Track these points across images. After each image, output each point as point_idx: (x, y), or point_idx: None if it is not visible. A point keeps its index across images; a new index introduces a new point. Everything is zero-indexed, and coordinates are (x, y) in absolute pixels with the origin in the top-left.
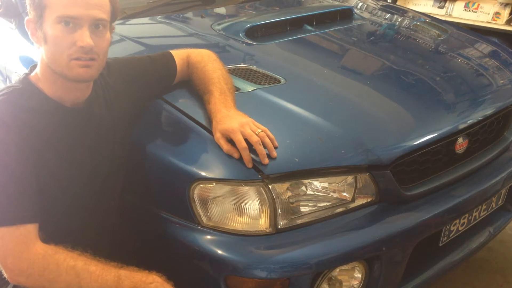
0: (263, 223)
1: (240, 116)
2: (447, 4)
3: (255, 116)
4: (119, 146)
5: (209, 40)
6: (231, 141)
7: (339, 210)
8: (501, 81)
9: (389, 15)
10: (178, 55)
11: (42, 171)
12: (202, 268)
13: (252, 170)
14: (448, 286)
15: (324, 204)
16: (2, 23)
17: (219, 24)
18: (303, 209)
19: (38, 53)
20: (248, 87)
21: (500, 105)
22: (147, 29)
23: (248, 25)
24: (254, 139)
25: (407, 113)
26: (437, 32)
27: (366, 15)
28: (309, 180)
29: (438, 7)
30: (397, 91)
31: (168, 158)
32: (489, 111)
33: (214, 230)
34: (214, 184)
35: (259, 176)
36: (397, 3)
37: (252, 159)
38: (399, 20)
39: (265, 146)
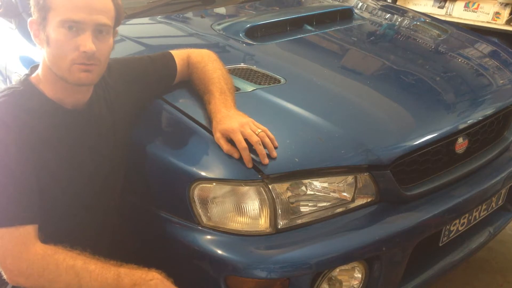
0: (263, 223)
1: (240, 116)
2: (447, 4)
3: (255, 116)
4: (119, 146)
5: (209, 40)
6: (231, 141)
7: (339, 210)
8: (501, 81)
9: (389, 15)
10: (178, 55)
11: (42, 172)
12: (202, 268)
13: (252, 170)
14: (448, 286)
15: (324, 204)
16: (2, 23)
17: (219, 24)
18: (303, 209)
19: (40, 55)
20: (248, 87)
21: (500, 105)
22: (147, 29)
23: (248, 25)
24: (254, 139)
25: (407, 113)
26: (437, 32)
27: (366, 15)
28: (309, 180)
29: (438, 7)
30: (397, 91)
31: (168, 158)
32: (489, 111)
33: (214, 230)
34: (214, 184)
35: (259, 176)
36: (397, 3)
37: (252, 159)
38: (399, 20)
39: (265, 146)
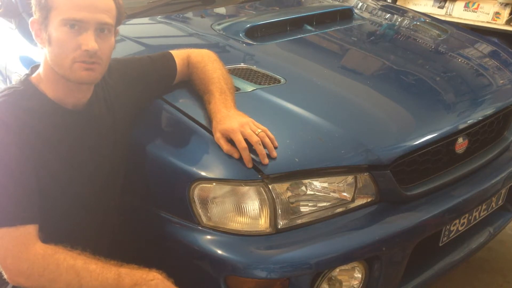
0: (263, 223)
1: (240, 116)
2: (447, 4)
3: (255, 116)
4: (119, 146)
5: (209, 40)
6: (231, 141)
7: (339, 210)
8: (501, 81)
9: (389, 15)
10: (178, 55)
11: (42, 172)
12: (202, 268)
13: (252, 170)
14: (448, 286)
15: (324, 204)
16: (2, 23)
17: (219, 24)
18: (303, 209)
19: (42, 54)
20: (248, 87)
21: (500, 105)
22: (147, 29)
23: (248, 25)
24: (254, 139)
25: (407, 113)
26: (437, 32)
27: (366, 15)
28: (309, 180)
29: (438, 7)
30: (397, 91)
31: (168, 158)
32: (489, 111)
33: (214, 230)
34: (214, 184)
35: (259, 176)
36: (397, 3)
37: (252, 159)
38: (399, 20)
39: (265, 146)
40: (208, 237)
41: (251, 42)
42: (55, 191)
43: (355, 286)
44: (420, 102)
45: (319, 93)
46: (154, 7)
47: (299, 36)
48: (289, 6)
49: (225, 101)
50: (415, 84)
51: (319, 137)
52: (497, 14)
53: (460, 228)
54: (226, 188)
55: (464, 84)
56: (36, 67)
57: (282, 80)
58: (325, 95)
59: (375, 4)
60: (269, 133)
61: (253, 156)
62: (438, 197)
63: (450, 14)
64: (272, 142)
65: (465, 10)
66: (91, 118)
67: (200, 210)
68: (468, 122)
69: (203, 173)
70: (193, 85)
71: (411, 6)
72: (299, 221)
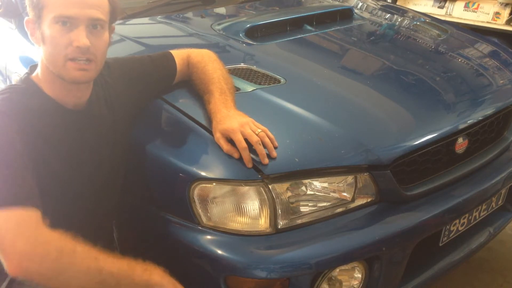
0: (263, 223)
1: (240, 116)
2: (447, 4)
3: (255, 116)
4: (119, 146)
5: (209, 40)
6: (231, 141)
7: (339, 210)
8: (501, 81)
9: (389, 15)
10: (178, 55)
11: (42, 171)
12: (202, 268)
13: (252, 170)
14: (448, 286)
15: (324, 204)
16: (2, 23)
17: (219, 24)
18: (303, 209)
19: (38, 54)
20: (248, 87)
21: (500, 105)
22: (147, 29)
23: (248, 25)
24: (254, 139)
25: (407, 113)
26: (437, 32)
27: (366, 15)
28: (309, 180)
29: (438, 7)
30: (397, 91)
31: (168, 158)
32: (489, 111)
33: (214, 230)
34: (214, 184)
35: (259, 176)
36: (397, 3)
37: (252, 159)
38: (399, 20)
39: (265, 146)
40: (208, 237)
41: (251, 42)
42: (55, 190)
43: (355, 286)
44: (420, 102)
45: (319, 93)
46: (154, 7)
47: (299, 36)
48: (289, 6)
49: (225, 101)
50: (415, 84)
51: (319, 137)
52: (497, 14)
53: (460, 228)
54: (226, 188)
55: (464, 84)
56: (35, 66)
57: (282, 80)
58: (325, 95)
59: (375, 4)
60: (269, 133)
61: (253, 156)
62: (438, 197)
63: (450, 14)
64: (272, 142)
65: (465, 10)
66: (91, 118)
67: (200, 210)
68: (468, 122)
69: (203, 173)
70: (193, 85)
71: (411, 6)
72: (299, 221)
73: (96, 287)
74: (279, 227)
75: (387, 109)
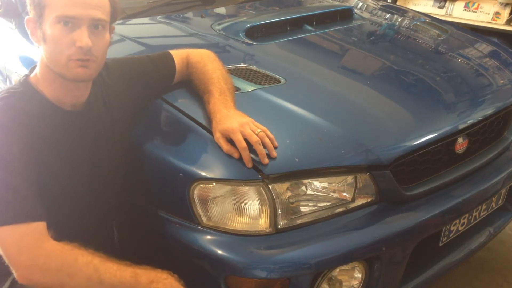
0: (263, 223)
1: (240, 116)
2: (447, 4)
3: (255, 116)
4: (119, 146)
5: (209, 40)
6: (231, 141)
7: (339, 210)
8: (501, 81)
9: (389, 15)
10: (178, 55)
11: (42, 173)
12: (202, 268)
13: (252, 170)
14: (448, 286)
15: (324, 204)
16: (2, 23)
17: (219, 24)
18: (303, 209)
19: (38, 53)
20: (248, 87)
21: (500, 105)
22: (147, 29)
23: (248, 25)
24: (254, 139)
25: (407, 113)
26: (437, 32)
27: (366, 15)
28: (309, 180)
29: (438, 7)
30: (397, 91)
31: (168, 158)
32: (489, 111)
33: (214, 230)
34: (214, 184)
35: (259, 176)
36: (397, 3)
37: (252, 159)
38: (399, 20)
39: (265, 146)
40: (208, 237)
41: (251, 42)
42: (55, 191)
43: (355, 286)
44: (420, 102)
45: (319, 93)
46: (154, 7)
47: (299, 36)
48: (289, 6)
49: (224, 101)
50: (415, 84)
51: (319, 137)
52: (497, 14)
53: (460, 228)
54: (226, 188)
55: (464, 84)
56: (35, 67)
57: (282, 80)
58: (325, 95)
59: (375, 4)
60: (269, 133)
61: (253, 156)
62: (438, 197)
63: (450, 14)
64: (272, 142)
65: (465, 10)
66: (90, 119)
67: (200, 210)
68: (468, 122)
69: (203, 173)
70: (192, 85)
71: (411, 6)
72: (299, 221)
73: None
74: (279, 227)
75: (387, 109)
